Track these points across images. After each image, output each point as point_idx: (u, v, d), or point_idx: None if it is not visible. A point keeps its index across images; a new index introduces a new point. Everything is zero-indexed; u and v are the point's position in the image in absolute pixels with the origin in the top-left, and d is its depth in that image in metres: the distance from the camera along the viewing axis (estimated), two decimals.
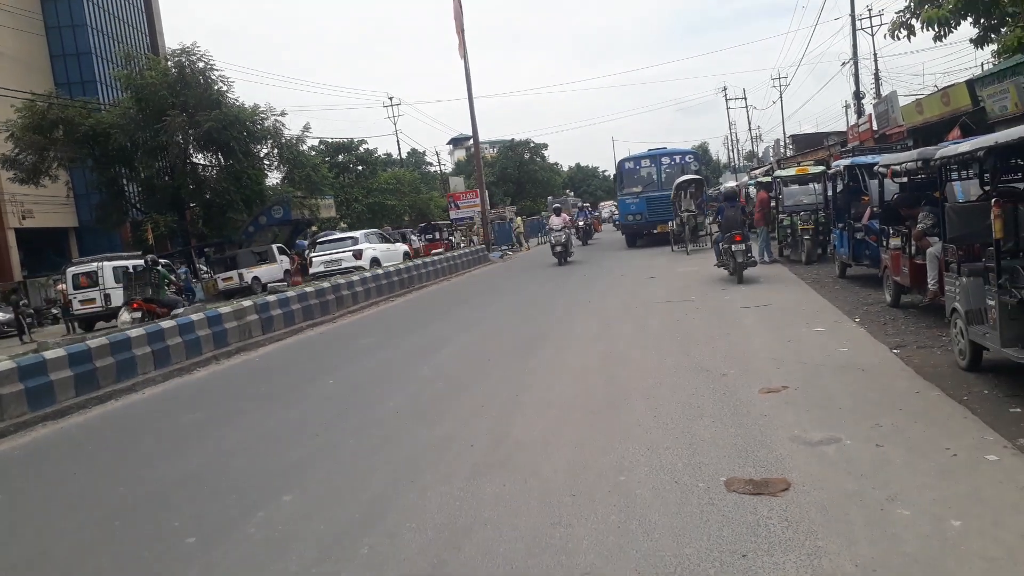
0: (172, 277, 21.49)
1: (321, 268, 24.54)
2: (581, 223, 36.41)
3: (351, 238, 26.27)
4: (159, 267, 19.18)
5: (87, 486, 6.35)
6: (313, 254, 26.77)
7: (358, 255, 24.50)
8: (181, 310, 15.50)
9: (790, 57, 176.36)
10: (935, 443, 4.90)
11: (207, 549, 4.54)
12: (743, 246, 14.10)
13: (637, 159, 28.31)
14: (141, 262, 20.66)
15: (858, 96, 36.76)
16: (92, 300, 22.74)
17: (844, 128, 37.96)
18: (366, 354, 11.43)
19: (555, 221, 24.29)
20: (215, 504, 5.35)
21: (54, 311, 29.59)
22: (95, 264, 23.32)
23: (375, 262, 24.38)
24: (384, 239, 27.93)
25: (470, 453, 5.81)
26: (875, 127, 27.78)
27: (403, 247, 28.64)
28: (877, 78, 38.30)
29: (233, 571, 4.19)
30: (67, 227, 43.53)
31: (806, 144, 40.31)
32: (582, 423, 6.30)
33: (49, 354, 10.10)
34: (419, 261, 24.60)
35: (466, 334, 12.20)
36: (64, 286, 24.39)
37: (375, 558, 4.15)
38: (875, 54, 39.48)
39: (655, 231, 26.47)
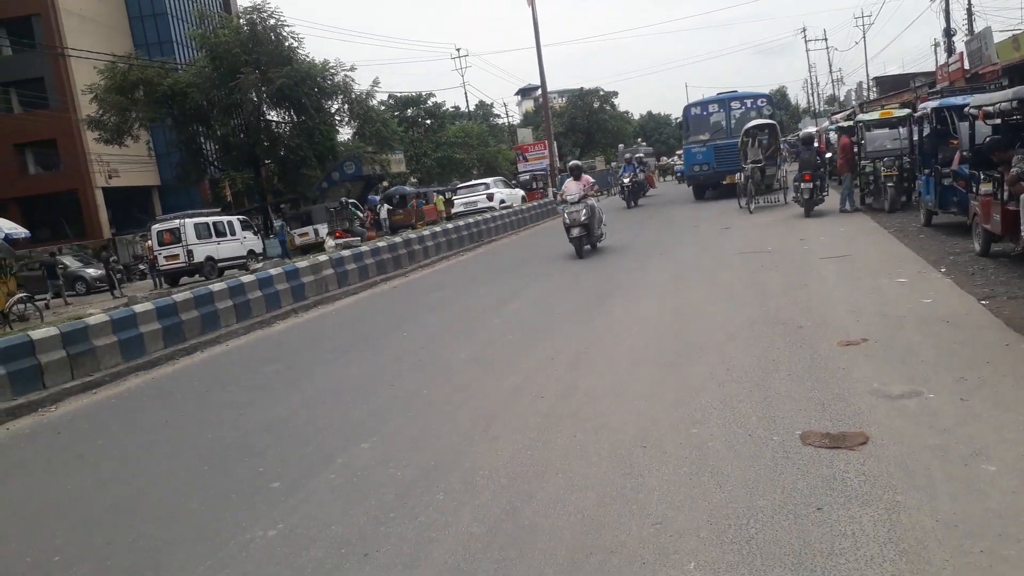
0: (360, 214, 27.41)
1: (461, 208, 31.47)
2: (627, 180, 28.76)
3: (483, 183, 33.77)
4: (350, 206, 29.26)
5: (178, 433, 6.69)
6: (455, 197, 33.55)
7: (490, 197, 31.40)
8: (359, 240, 22.64)
9: None
10: None
11: (291, 493, 4.75)
12: (811, 184, 16.83)
13: (704, 104, 26.64)
14: (222, 218, 21.35)
15: (948, 33, 34.68)
16: (176, 256, 23.66)
17: (932, 68, 36.02)
18: (438, 307, 11.60)
19: (570, 187, 15.69)
20: (297, 451, 5.58)
21: (141, 267, 30.92)
22: (178, 221, 24.20)
23: (502, 202, 30.94)
24: (507, 185, 35.52)
25: (541, 404, 5.88)
26: (967, 66, 26.24)
27: (520, 192, 35.38)
28: (970, 13, 35.98)
29: (316, 514, 4.38)
30: (150, 185, 45.13)
31: (891, 86, 38.46)
32: (653, 376, 6.28)
33: (139, 308, 10.60)
34: (488, 216, 24.75)
35: (535, 286, 12.24)
36: (150, 242, 25.42)
37: (450, 503, 4.27)
38: None
39: (724, 182, 24.90)
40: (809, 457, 4.24)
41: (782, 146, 24.06)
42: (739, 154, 21.11)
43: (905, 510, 3.52)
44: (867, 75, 59.55)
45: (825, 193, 17.65)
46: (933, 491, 3.67)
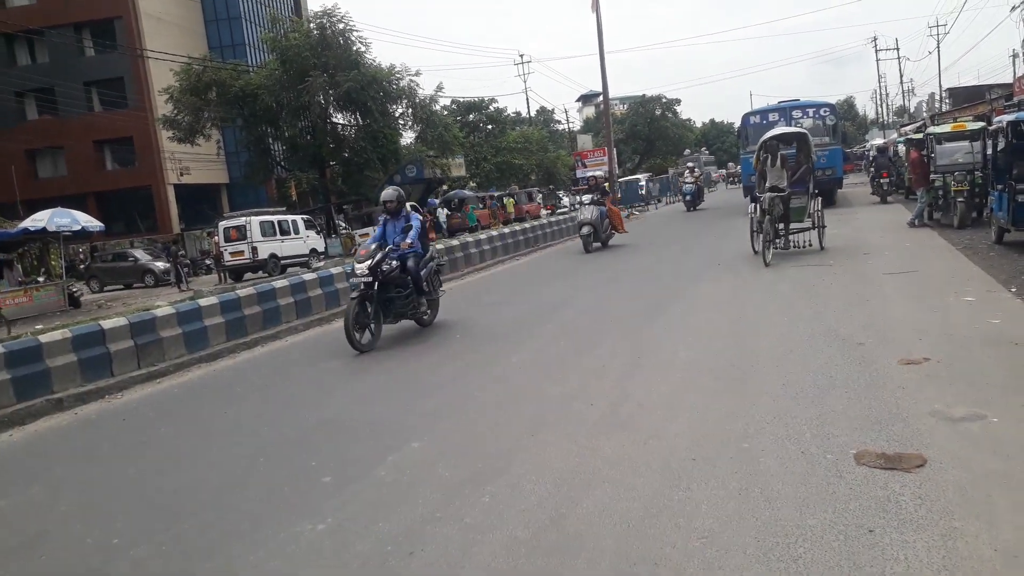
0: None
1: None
2: (689, 184, 32.04)
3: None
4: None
5: (236, 424, 6.89)
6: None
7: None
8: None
9: (951, 2, 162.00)
10: None
11: (341, 488, 4.85)
12: (888, 179, 22.71)
13: (764, 112, 25.67)
14: (287, 217, 21.93)
15: None
16: (241, 252, 24.34)
17: (1010, 80, 34.68)
18: (491, 310, 11.67)
19: (585, 206, 19.89)
20: (350, 447, 5.69)
21: (207, 262, 31.88)
22: (244, 219, 24.89)
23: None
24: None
25: (591, 412, 5.87)
26: None
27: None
28: None
29: (364, 510, 4.46)
30: (219, 183, 46.52)
31: (964, 98, 37.14)
32: (706, 388, 6.21)
33: (204, 302, 10.94)
34: (544, 221, 24.89)
35: (589, 293, 12.21)
36: (217, 238, 26.23)
37: (496, 506, 4.30)
38: None
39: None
40: (863, 477, 4.14)
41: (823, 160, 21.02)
42: (756, 176, 14.54)
43: (962, 537, 3.41)
44: (940, 86, 57.66)
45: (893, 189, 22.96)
46: (993, 519, 3.55)
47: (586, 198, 19.47)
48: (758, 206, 13.07)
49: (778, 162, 13.60)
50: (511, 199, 40.11)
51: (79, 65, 41.60)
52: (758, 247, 13.18)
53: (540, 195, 46.35)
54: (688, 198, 31.78)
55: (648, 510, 4.05)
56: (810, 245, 13.68)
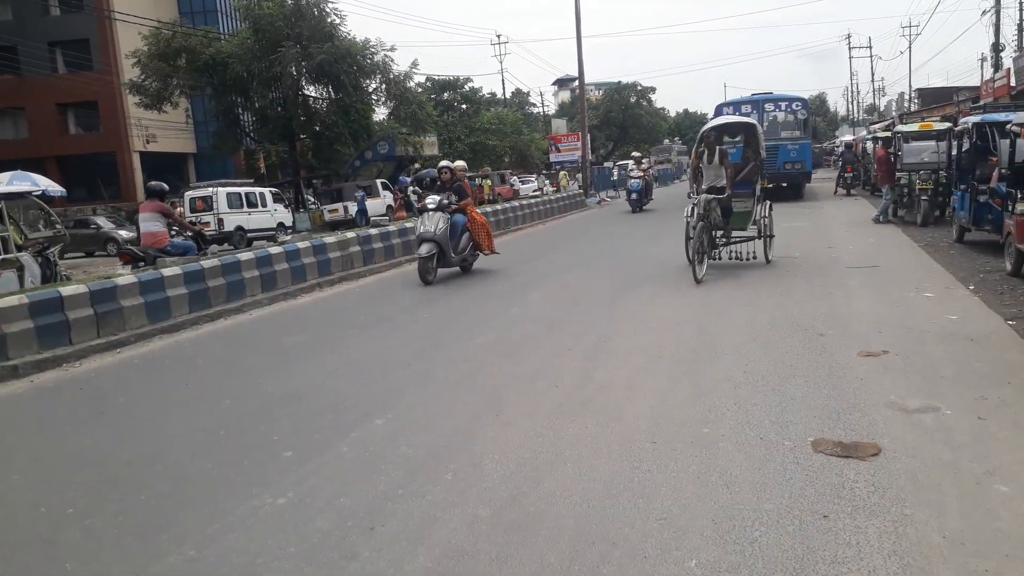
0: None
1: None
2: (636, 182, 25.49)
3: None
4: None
5: (197, 396, 6.80)
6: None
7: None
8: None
9: (924, 3, 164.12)
10: None
11: (302, 463, 4.82)
12: (851, 174, 26.02)
13: (737, 104, 25.55)
14: (254, 189, 21.61)
15: (997, 48, 34.03)
16: (207, 223, 23.94)
17: (978, 83, 35.29)
18: (459, 291, 11.65)
19: (429, 213, 12.47)
20: (312, 422, 5.65)
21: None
22: (211, 189, 24.48)
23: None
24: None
25: (554, 392, 5.90)
26: (1013, 83, 25.65)
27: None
28: (1020, 29, 35.23)
29: (325, 485, 4.44)
30: (186, 152, 45.63)
31: (933, 99, 37.75)
32: (669, 372, 6.28)
33: (167, 272, 10.75)
34: (516, 203, 24.82)
35: (556, 277, 12.24)
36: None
37: (458, 484, 4.31)
38: (1020, 2, 36.23)
39: None
40: (819, 464, 4.22)
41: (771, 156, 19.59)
42: (693, 175, 11.88)
43: (912, 524, 3.50)
44: (910, 86, 58.57)
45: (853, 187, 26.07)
46: (942, 507, 3.65)
47: (431, 200, 12.62)
48: (694, 209, 10.84)
49: (716, 158, 11.21)
50: (487, 180, 39.73)
51: (43, 24, 40.38)
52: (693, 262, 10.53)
53: (514, 178, 46.15)
54: (633, 196, 25.20)
55: (609, 491, 4.09)
56: (755, 257, 11.53)
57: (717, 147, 11.53)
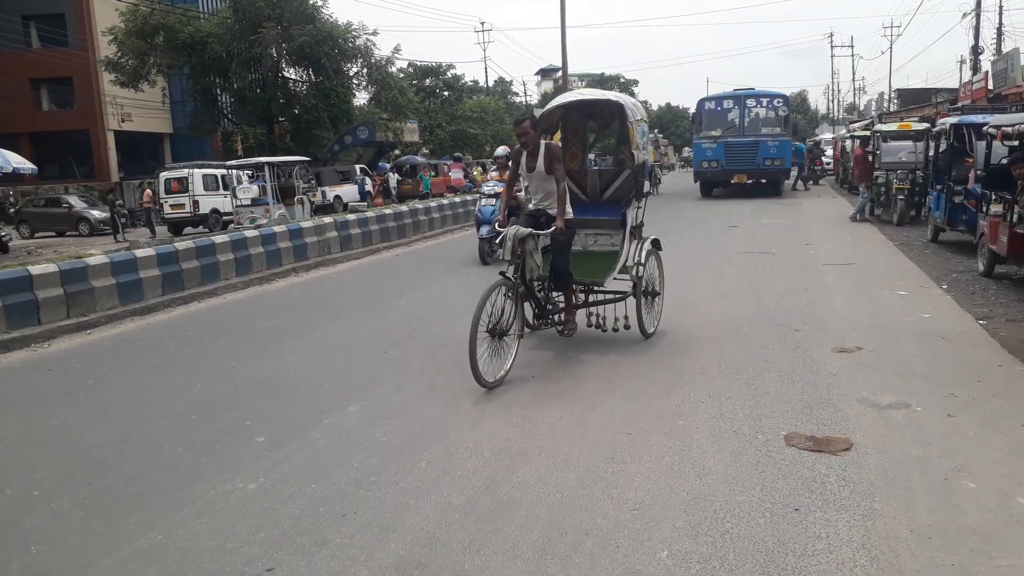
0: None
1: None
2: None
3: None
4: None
5: (168, 380, 6.71)
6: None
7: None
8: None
9: (906, 4, 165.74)
10: (1012, 418, 4.72)
11: (275, 449, 4.77)
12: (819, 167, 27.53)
13: (719, 99, 25.84)
14: (231, 172, 21.29)
15: (976, 51, 34.41)
16: (182, 205, 23.65)
17: (956, 85, 35.72)
18: (437, 279, 11.60)
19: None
20: (285, 408, 5.60)
21: (151, 212, 30.89)
22: (187, 171, 24.15)
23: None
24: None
25: (530, 383, 5.89)
26: (991, 86, 26.03)
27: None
28: (1000, 33, 35.63)
29: (297, 471, 4.40)
30: (162, 132, 44.93)
31: (912, 99, 38.20)
32: (645, 365, 6.29)
33: (140, 253, 10.61)
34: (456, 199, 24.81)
35: None
36: (150, 191, 25.42)
37: (432, 472, 4.29)
38: (1000, 5, 36.66)
39: (732, 181, 24.39)
40: (792, 458, 4.25)
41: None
42: (504, 193, 7.11)
43: (881, 518, 3.54)
44: (889, 86, 59.09)
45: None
46: (911, 502, 3.69)
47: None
48: (492, 248, 7.79)
49: (539, 161, 6.26)
50: (479, 168, 39.64)
51: None
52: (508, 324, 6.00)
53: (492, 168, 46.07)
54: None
55: (582, 481, 4.09)
56: (627, 326, 6.97)
57: (576, 133, 7.81)
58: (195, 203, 23.46)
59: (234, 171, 21.37)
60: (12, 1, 38.59)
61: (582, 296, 7.03)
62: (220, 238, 12.19)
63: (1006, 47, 33.36)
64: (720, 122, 24.99)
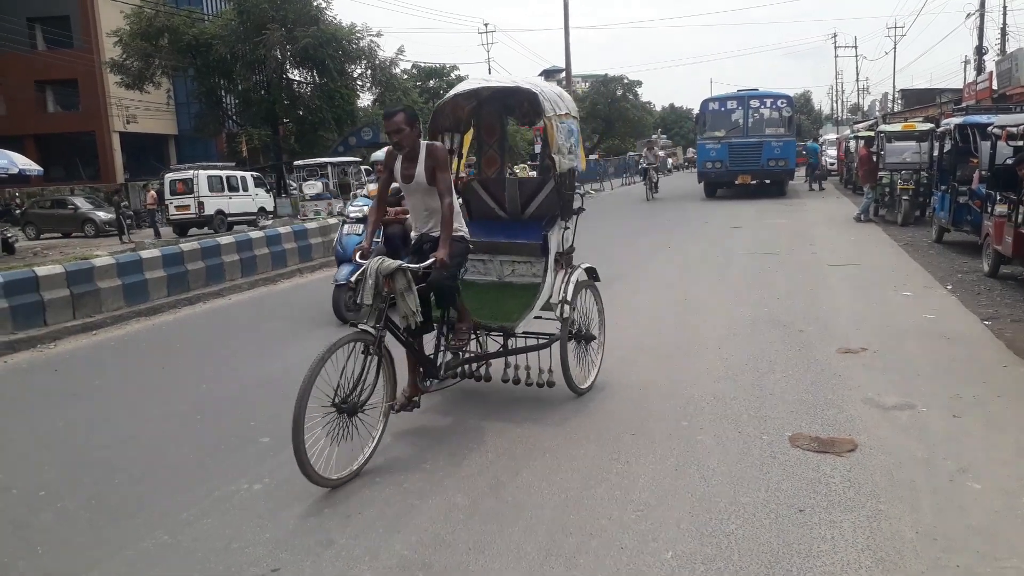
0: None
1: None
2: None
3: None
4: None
5: (174, 380, 6.73)
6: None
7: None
8: None
9: (910, 5, 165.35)
10: (1017, 419, 4.71)
11: (280, 450, 4.76)
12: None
13: (723, 100, 25.87)
14: (236, 173, 21.44)
15: (980, 51, 34.35)
16: (187, 206, 23.69)
17: (960, 85, 35.63)
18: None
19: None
20: (290, 408, 5.56)
21: (157, 215, 30.98)
22: (191, 172, 24.21)
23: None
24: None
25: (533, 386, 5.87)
26: (995, 86, 25.96)
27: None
28: (1004, 33, 35.59)
29: (301, 473, 4.40)
30: (167, 134, 45.04)
31: (916, 100, 38.10)
32: (649, 366, 6.29)
33: (145, 254, 10.64)
34: None
35: None
36: (154, 193, 25.49)
37: (436, 472, 4.30)
38: (1004, 6, 36.62)
39: (737, 182, 24.36)
40: (796, 459, 4.25)
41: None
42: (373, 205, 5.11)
43: (886, 519, 3.53)
44: (893, 86, 58.97)
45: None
46: (916, 503, 3.69)
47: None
48: (351, 292, 6.84)
49: (419, 168, 4.66)
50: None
51: (23, 0, 39.68)
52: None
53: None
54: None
55: (587, 481, 4.09)
56: (551, 385, 5.43)
57: (491, 142, 6.23)
58: (200, 204, 23.52)
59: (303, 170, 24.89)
60: (17, 3, 38.74)
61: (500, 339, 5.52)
62: (226, 239, 12.22)
63: (1010, 47, 33.32)
64: (724, 123, 24.98)
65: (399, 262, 4.37)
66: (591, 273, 5.84)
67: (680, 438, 4.65)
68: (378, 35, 31.10)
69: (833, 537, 3.39)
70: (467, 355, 5.28)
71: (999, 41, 35.63)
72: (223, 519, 3.87)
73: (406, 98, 33.40)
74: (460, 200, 5.58)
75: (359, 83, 32.30)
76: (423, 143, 4.71)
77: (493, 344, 5.62)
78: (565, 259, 5.61)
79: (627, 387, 5.72)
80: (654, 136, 64.48)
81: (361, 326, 4.31)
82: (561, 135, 5.39)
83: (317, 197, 23.84)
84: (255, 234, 13.08)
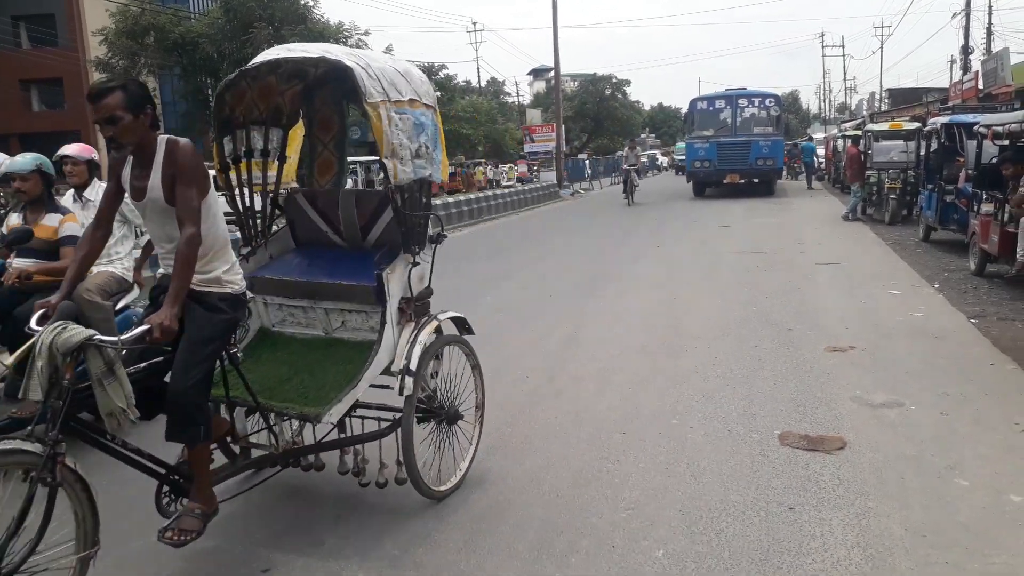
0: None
1: None
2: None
3: None
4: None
5: None
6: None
7: None
8: None
9: (896, 5, 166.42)
10: (1004, 417, 4.74)
11: None
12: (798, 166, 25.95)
13: (711, 99, 26.03)
14: None
15: (966, 51, 34.64)
16: None
17: (946, 85, 35.89)
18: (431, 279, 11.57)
19: None
20: None
21: None
22: None
23: None
24: None
25: (524, 383, 5.89)
26: (980, 86, 26.11)
27: None
28: (989, 32, 35.87)
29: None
30: None
31: (903, 99, 38.34)
32: (639, 365, 6.30)
33: None
34: (489, 193, 24.84)
35: (529, 268, 12.23)
36: None
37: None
38: (989, 6, 36.88)
39: (725, 181, 24.47)
40: (786, 457, 4.27)
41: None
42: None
43: (875, 516, 3.55)
44: (880, 86, 59.33)
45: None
46: (905, 500, 3.71)
47: None
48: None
49: (153, 179, 3.07)
50: (481, 168, 40.30)
51: None
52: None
53: (488, 167, 46.12)
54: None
55: (577, 480, 4.09)
56: (399, 483, 3.83)
57: (326, 138, 4.71)
58: None
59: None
60: (2, 1, 38.40)
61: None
62: None
63: (996, 47, 33.56)
64: (712, 122, 25.08)
65: (88, 332, 2.76)
66: (462, 325, 4.32)
67: (670, 437, 4.66)
68: (366, 34, 31.05)
69: (823, 534, 3.41)
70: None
71: (985, 41, 35.93)
72: (214, 519, 3.84)
73: None
74: (281, 221, 4.39)
75: None
76: (161, 139, 3.11)
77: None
78: (417, 307, 4.01)
79: (617, 385, 5.73)
80: (642, 135, 64.68)
81: (9, 443, 2.66)
82: (398, 131, 3.68)
83: None
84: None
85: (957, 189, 11.51)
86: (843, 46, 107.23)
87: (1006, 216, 8.65)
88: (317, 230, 4.37)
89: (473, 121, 51.84)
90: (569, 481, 4.09)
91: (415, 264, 3.98)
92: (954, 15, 36.67)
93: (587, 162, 45.65)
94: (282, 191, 4.41)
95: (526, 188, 28.51)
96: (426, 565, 3.33)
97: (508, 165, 45.62)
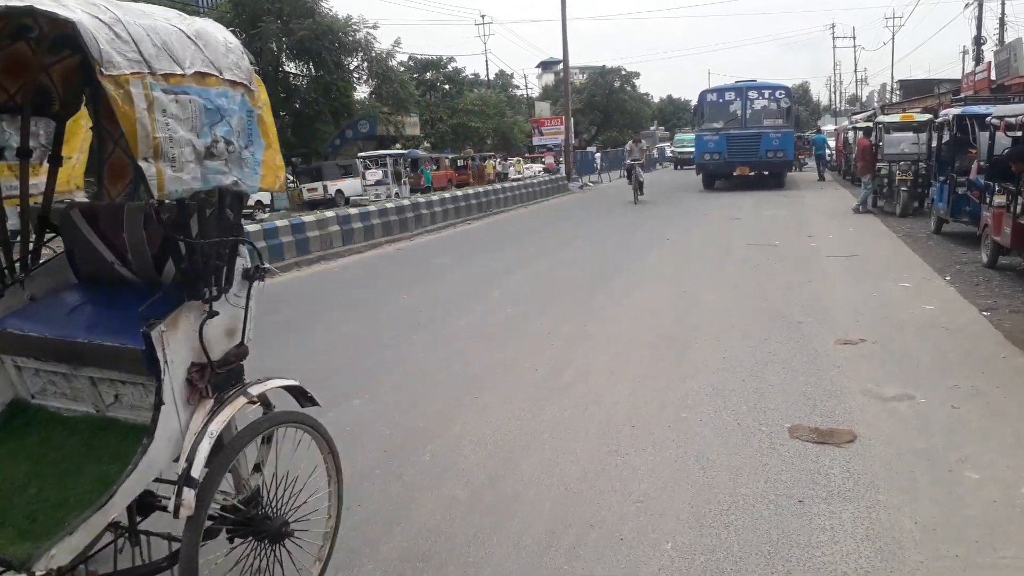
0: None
1: None
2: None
3: None
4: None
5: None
6: None
7: None
8: None
9: None
10: (1015, 409, 4.71)
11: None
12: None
13: (721, 91, 25.84)
14: None
15: (979, 42, 34.31)
16: None
17: (959, 76, 35.58)
18: (440, 273, 11.60)
19: None
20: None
21: None
22: None
23: None
24: None
25: (533, 377, 5.89)
26: (993, 77, 25.90)
27: None
28: (1002, 23, 35.51)
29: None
30: None
31: (914, 90, 38.03)
32: (648, 358, 6.29)
33: None
34: (498, 186, 24.81)
35: (538, 262, 12.22)
36: None
37: (435, 466, 4.30)
38: None
39: (735, 173, 24.31)
40: (795, 450, 4.25)
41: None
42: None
43: (885, 509, 3.54)
44: (892, 77, 58.93)
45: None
46: (915, 493, 3.69)
47: None
48: None
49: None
50: (491, 162, 40.12)
51: None
52: None
53: (497, 160, 46.10)
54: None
55: (586, 474, 4.09)
56: None
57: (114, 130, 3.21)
58: None
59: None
60: None
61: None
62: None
63: (1009, 37, 33.24)
64: (722, 114, 24.93)
65: None
66: (301, 396, 3.28)
67: (679, 430, 4.65)
68: (374, 27, 31.00)
69: (833, 528, 3.40)
70: None
71: (998, 31, 35.57)
72: None
73: (403, 90, 33.33)
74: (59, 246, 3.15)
75: (355, 76, 32.22)
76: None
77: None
78: (220, 377, 2.87)
79: (625, 379, 5.73)
80: (651, 128, 64.40)
81: None
82: (169, 119, 2.35)
83: (378, 183, 29.17)
84: (252, 227, 13.07)
85: (969, 181, 11.41)
86: (854, 37, 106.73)
87: (1019, 208, 8.58)
88: (100, 259, 3.03)
89: (482, 114, 51.80)
90: (577, 475, 4.09)
91: (211, 314, 2.73)
92: (967, 5, 36.35)
93: (597, 156, 45.53)
94: (61, 204, 3.13)
95: (535, 181, 28.46)
96: (435, 557, 3.34)
97: (516, 158, 45.54)
